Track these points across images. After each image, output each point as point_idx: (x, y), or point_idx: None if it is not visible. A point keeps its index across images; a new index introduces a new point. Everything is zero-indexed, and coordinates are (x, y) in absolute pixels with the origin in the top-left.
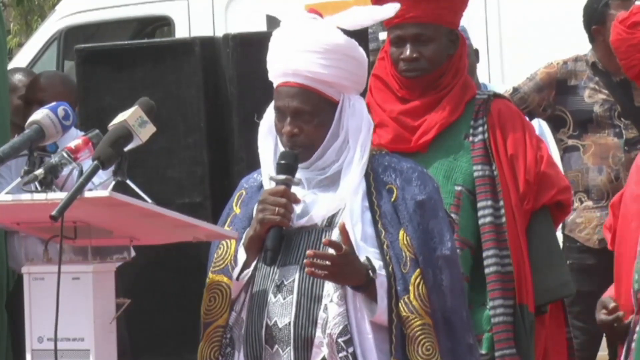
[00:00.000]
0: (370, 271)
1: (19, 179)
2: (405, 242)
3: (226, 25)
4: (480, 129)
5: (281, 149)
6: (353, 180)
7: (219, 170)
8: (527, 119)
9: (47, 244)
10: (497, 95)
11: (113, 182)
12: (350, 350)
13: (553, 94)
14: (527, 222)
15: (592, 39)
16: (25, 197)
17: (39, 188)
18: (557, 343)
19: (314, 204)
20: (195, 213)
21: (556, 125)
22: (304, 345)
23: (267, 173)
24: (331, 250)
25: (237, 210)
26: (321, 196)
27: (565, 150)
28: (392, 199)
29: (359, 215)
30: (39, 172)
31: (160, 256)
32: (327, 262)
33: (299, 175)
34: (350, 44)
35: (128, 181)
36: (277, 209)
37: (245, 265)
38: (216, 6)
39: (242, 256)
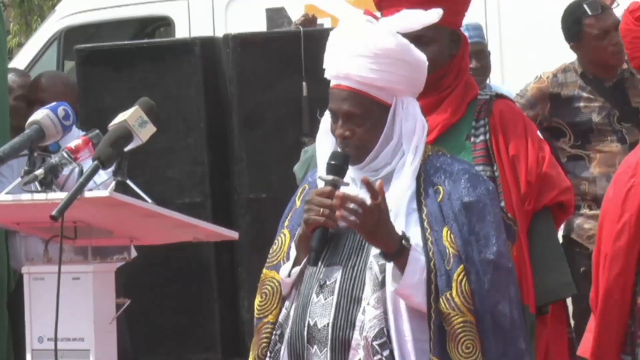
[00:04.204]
0: (404, 240)
1: (19, 179)
2: (449, 239)
3: (226, 25)
4: (481, 129)
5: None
6: (403, 184)
7: (219, 170)
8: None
9: (47, 244)
10: (499, 96)
11: (114, 182)
12: (385, 353)
13: (548, 107)
14: (529, 223)
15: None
16: (26, 197)
17: (39, 188)
18: (558, 343)
19: None
20: (195, 213)
21: (555, 134)
22: (341, 347)
23: (320, 172)
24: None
25: (298, 203)
26: None
27: (568, 159)
28: (439, 199)
29: (404, 217)
30: (39, 172)
31: (160, 256)
32: (357, 208)
33: (353, 174)
34: (403, 47)
35: (128, 181)
36: (322, 209)
37: (296, 263)
38: (216, 6)
39: (293, 253)
